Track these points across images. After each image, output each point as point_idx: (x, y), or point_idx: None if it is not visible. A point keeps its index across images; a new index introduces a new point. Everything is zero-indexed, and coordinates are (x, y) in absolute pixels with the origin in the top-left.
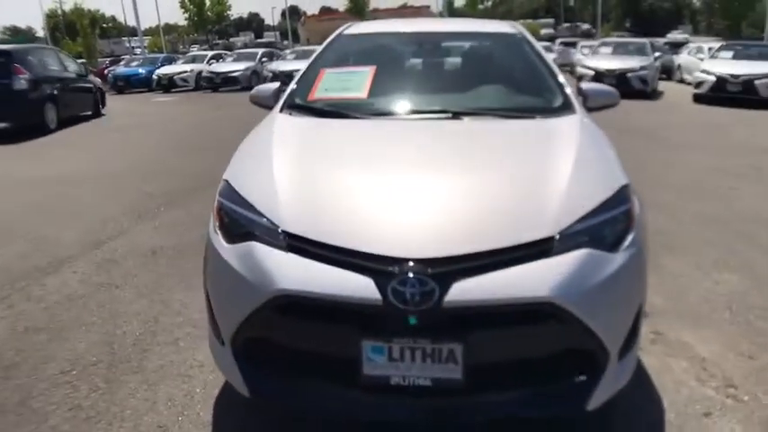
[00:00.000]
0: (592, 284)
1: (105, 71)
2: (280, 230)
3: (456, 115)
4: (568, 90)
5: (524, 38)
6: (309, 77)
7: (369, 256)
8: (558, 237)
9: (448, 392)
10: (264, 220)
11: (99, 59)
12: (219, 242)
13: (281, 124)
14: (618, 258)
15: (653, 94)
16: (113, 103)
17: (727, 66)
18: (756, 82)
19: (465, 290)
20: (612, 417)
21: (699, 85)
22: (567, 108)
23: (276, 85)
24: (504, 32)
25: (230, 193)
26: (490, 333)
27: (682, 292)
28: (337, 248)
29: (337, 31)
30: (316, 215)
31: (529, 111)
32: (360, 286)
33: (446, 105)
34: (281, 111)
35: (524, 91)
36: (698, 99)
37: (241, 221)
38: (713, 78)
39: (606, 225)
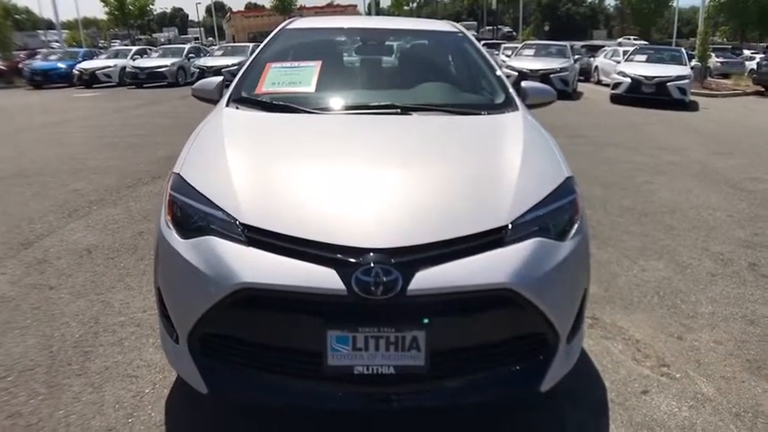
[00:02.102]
0: (544, 271)
1: (20, 65)
2: (238, 223)
3: (405, 111)
4: (510, 88)
5: (465, 36)
6: (255, 71)
7: (332, 247)
8: (510, 226)
9: (411, 379)
10: (221, 213)
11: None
12: (173, 237)
13: (230, 117)
14: (566, 246)
15: (573, 95)
16: (29, 98)
17: (642, 68)
18: (668, 84)
19: (427, 278)
20: (559, 397)
21: (616, 86)
22: (509, 105)
23: (219, 79)
24: (447, 31)
25: (183, 186)
26: (451, 320)
27: (612, 279)
28: (299, 240)
29: (281, 26)
30: (275, 207)
31: (475, 107)
32: (323, 277)
33: (394, 101)
34: (227, 105)
35: (469, 88)
36: (615, 99)
37: (196, 215)
38: (629, 80)
39: (554, 215)
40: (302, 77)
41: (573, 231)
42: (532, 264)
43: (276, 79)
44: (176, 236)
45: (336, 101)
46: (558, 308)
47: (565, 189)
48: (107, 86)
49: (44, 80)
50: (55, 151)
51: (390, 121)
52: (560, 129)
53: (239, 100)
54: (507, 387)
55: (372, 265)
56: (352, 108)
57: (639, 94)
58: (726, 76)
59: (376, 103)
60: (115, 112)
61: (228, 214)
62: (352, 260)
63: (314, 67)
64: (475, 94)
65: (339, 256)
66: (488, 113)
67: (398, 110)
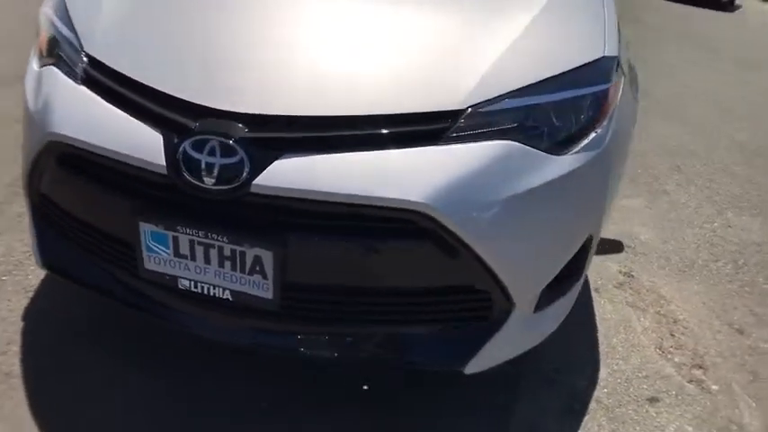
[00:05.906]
0: (504, 195)
1: None
2: (83, 53)
3: None
4: None
5: None
6: None
7: (165, 98)
8: (469, 110)
9: (255, 315)
10: (72, 35)
11: None
12: (31, 64)
13: None
14: (560, 163)
15: None
16: None
17: None
18: None
19: (291, 171)
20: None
21: None
22: None
23: None
24: None
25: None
26: (321, 243)
27: (680, 229)
28: (136, 84)
29: None
30: (132, 38)
31: None
32: (143, 143)
33: None
34: None
35: None
36: None
37: (56, 37)
38: None
39: (558, 109)
40: None
41: (583, 143)
42: (484, 180)
43: None
44: (34, 62)
45: None
46: (518, 258)
47: (591, 73)
48: None
49: None
50: None
51: None
52: None
53: None
54: (401, 355)
55: (207, 135)
56: None
57: None
58: None
59: None
60: None
61: (78, 38)
62: (186, 123)
63: None
64: None
65: (174, 115)
66: None
67: None
